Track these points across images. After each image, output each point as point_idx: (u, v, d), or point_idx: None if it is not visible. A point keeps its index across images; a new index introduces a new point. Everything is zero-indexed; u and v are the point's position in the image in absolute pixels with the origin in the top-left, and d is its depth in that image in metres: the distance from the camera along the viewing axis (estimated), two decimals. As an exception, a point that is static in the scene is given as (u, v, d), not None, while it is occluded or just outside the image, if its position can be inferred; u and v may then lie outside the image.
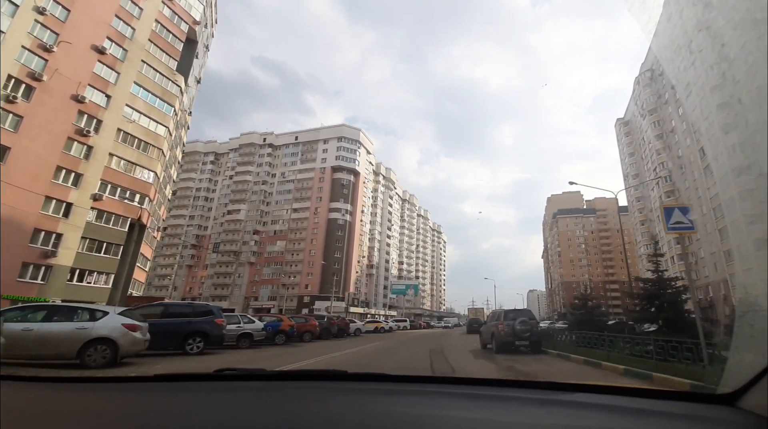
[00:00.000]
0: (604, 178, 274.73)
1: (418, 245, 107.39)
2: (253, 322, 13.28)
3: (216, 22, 41.84)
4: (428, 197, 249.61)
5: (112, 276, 27.02)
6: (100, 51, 27.06)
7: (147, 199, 28.80)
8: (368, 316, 57.61)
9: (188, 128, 38.14)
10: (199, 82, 38.58)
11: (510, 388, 1.35)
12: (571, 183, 21.31)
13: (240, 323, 12.84)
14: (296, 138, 78.61)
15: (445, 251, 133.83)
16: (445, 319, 74.05)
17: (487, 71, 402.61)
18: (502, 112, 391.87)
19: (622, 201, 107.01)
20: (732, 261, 33.00)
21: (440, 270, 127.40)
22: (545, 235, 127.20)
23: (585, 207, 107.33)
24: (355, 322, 25.30)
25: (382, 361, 10.16)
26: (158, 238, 35.14)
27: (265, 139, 79.47)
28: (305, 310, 57.39)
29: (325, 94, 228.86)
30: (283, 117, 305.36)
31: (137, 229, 29.11)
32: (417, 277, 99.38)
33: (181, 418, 1.05)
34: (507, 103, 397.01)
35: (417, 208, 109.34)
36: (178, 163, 37.20)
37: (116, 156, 27.14)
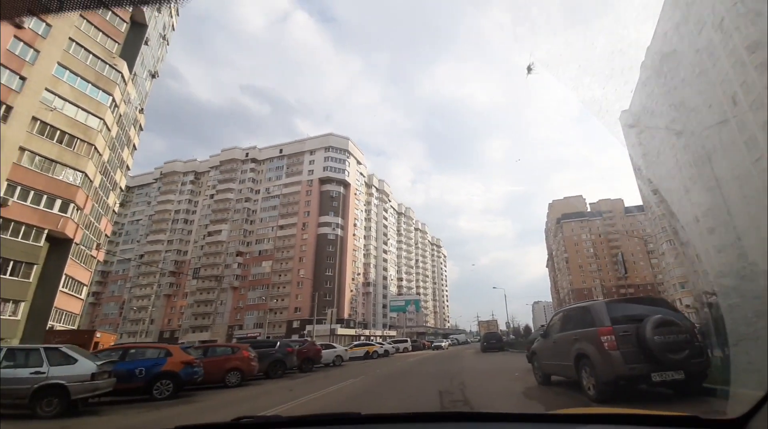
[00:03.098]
0: (596, 186, 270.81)
1: (417, 260, 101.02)
2: (74, 362, 6.62)
3: (178, 14, 37.37)
4: (423, 215, 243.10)
5: (22, 304, 20.96)
6: (18, 25, 22.14)
7: (73, 205, 23.05)
8: (361, 337, 50.75)
9: (141, 128, 32.82)
10: (154, 76, 33.66)
11: (523, 423, 1.33)
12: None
13: (42, 365, 6.31)
14: (281, 151, 73.66)
15: (445, 265, 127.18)
16: (451, 336, 66.53)
17: (472, 89, 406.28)
18: (490, 127, 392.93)
19: (635, 200, 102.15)
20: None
21: (442, 285, 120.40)
22: (549, 242, 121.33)
23: (589, 210, 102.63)
24: (334, 347, 19.16)
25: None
26: (99, 259, 29.09)
27: (247, 154, 74.45)
28: (295, 336, 50.62)
29: (316, 120, 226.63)
30: (275, 143, 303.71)
31: (66, 246, 23.32)
32: (418, 294, 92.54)
33: None
34: (494, 119, 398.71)
35: (414, 221, 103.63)
36: (127, 167, 31.60)
37: (29, 151, 21.59)
